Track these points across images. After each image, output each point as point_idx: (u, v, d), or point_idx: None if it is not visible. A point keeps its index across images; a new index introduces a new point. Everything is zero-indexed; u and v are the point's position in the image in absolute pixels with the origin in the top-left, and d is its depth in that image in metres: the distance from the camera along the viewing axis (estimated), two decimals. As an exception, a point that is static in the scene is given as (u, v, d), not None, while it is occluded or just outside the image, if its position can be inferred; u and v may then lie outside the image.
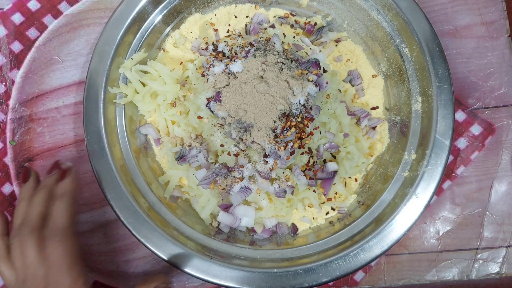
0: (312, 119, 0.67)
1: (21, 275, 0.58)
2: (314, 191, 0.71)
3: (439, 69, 0.69)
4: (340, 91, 0.77)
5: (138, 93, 0.73)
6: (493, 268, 0.74)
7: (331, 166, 0.71)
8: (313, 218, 0.73)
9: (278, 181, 0.69)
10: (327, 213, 0.74)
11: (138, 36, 0.73)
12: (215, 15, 0.78)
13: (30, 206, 0.61)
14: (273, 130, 0.65)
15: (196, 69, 0.72)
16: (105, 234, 0.74)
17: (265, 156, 0.67)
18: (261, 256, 0.67)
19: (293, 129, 0.66)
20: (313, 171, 0.71)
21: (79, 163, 0.76)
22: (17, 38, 0.79)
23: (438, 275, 0.64)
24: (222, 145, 0.69)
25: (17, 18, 0.80)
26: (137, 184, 0.70)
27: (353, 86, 0.78)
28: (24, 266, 0.57)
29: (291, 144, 0.66)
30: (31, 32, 0.79)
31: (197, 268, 0.64)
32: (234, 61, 0.68)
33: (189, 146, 0.71)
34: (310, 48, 0.75)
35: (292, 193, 0.69)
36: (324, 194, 0.72)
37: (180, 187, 0.74)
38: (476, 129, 0.78)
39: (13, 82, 0.78)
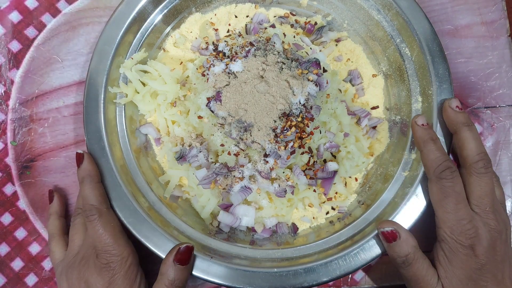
0: (312, 119, 0.67)
1: (75, 247, 0.65)
2: (314, 190, 0.71)
3: (439, 68, 0.70)
4: (340, 90, 0.77)
5: (138, 92, 0.73)
6: (493, 268, 0.74)
7: (331, 165, 0.71)
8: (313, 218, 0.74)
9: (278, 180, 0.69)
10: (327, 213, 0.74)
11: (138, 35, 0.73)
12: (215, 14, 0.78)
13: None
14: (273, 130, 0.65)
15: (197, 68, 0.72)
16: (105, 234, 0.74)
17: (265, 155, 0.67)
18: (261, 255, 0.67)
19: (293, 129, 0.66)
20: (313, 170, 0.71)
21: (79, 163, 0.76)
22: (15, 37, 0.79)
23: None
24: (222, 145, 0.69)
25: (15, 16, 0.79)
26: (138, 183, 0.70)
27: (353, 85, 0.78)
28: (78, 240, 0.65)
29: (291, 143, 0.66)
30: (30, 31, 0.79)
31: (197, 267, 0.64)
32: (234, 60, 0.68)
33: (189, 145, 0.71)
34: (310, 48, 0.75)
35: (292, 193, 0.69)
36: (324, 194, 0.72)
37: (180, 187, 0.74)
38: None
39: (12, 82, 0.77)
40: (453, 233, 0.60)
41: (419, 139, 0.65)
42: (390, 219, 0.66)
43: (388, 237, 0.62)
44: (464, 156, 0.63)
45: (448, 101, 0.67)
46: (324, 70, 0.70)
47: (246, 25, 0.78)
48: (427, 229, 0.66)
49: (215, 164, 0.69)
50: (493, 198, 0.62)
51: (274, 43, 0.70)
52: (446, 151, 0.66)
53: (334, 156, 0.74)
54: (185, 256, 0.62)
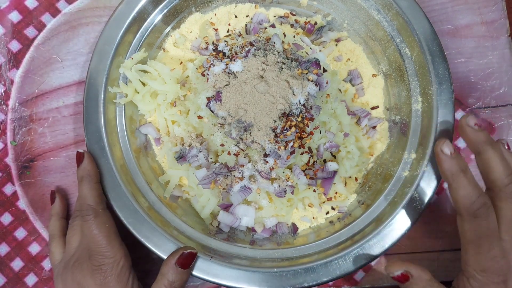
0: (312, 119, 0.67)
1: (71, 249, 0.64)
2: (314, 190, 0.71)
3: (439, 68, 0.69)
4: (340, 90, 0.77)
5: (138, 92, 0.72)
6: (493, 267, 0.74)
7: (331, 165, 0.71)
8: (313, 218, 0.74)
9: (278, 180, 0.69)
10: (327, 213, 0.74)
11: (138, 35, 0.73)
12: (215, 14, 0.78)
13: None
14: (273, 130, 0.65)
15: (196, 68, 0.72)
16: (105, 234, 0.74)
17: (265, 155, 0.67)
18: (261, 255, 0.67)
19: (293, 129, 0.65)
20: (313, 170, 0.71)
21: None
22: (15, 37, 0.79)
23: (439, 274, 0.64)
24: (222, 145, 0.69)
25: (15, 16, 0.79)
26: (137, 183, 0.70)
27: (353, 85, 0.78)
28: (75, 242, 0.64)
29: (291, 143, 0.66)
30: (29, 31, 0.79)
31: (197, 267, 0.64)
32: (234, 60, 0.68)
33: (189, 145, 0.71)
34: (310, 48, 0.75)
35: (292, 193, 0.69)
36: (324, 194, 0.72)
37: (180, 187, 0.74)
38: (476, 129, 0.78)
39: (12, 82, 0.77)
40: (486, 272, 0.56)
41: (447, 172, 0.57)
42: (390, 219, 0.66)
43: (400, 280, 0.59)
44: (492, 179, 0.57)
45: (465, 118, 0.60)
46: (324, 70, 0.70)
47: (246, 25, 0.78)
48: (427, 229, 0.66)
49: (215, 164, 0.69)
50: None
51: (274, 43, 0.70)
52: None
53: (334, 156, 0.74)
54: (187, 261, 0.62)
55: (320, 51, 0.76)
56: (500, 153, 0.58)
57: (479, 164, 0.60)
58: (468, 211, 0.56)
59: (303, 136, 0.67)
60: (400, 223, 0.66)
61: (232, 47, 0.71)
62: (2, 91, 0.77)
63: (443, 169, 0.58)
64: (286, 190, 0.68)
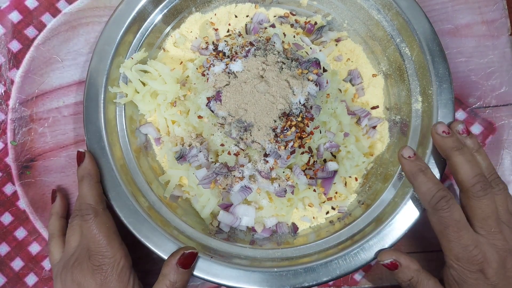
0: (312, 119, 0.67)
1: (70, 249, 0.64)
2: (315, 190, 0.71)
3: (439, 68, 0.69)
4: (340, 90, 0.77)
5: (138, 92, 0.73)
6: (493, 267, 0.73)
7: (332, 165, 0.71)
8: (313, 218, 0.74)
9: (278, 180, 0.69)
10: (327, 213, 0.74)
11: (138, 35, 0.73)
12: (215, 14, 0.78)
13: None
14: (273, 130, 0.65)
15: (197, 68, 0.72)
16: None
17: (265, 155, 0.67)
18: (261, 255, 0.67)
19: (293, 129, 0.65)
20: (313, 170, 0.71)
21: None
22: (15, 37, 0.79)
23: (438, 274, 0.64)
24: (222, 145, 0.69)
25: (15, 16, 0.79)
26: (138, 183, 0.70)
27: (353, 85, 0.78)
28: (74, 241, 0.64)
29: (291, 143, 0.66)
30: (30, 31, 0.79)
31: (197, 267, 0.64)
32: (234, 60, 0.68)
33: (189, 145, 0.71)
34: (310, 48, 0.75)
35: (292, 193, 0.69)
36: (325, 194, 0.72)
37: (180, 187, 0.74)
38: (476, 128, 0.78)
39: (12, 82, 0.77)
40: (460, 261, 0.59)
41: (408, 173, 0.63)
42: (390, 218, 0.66)
43: (390, 267, 0.63)
44: (460, 181, 0.61)
45: (434, 127, 0.65)
46: (324, 70, 0.70)
47: (246, 25, 0.78)
48: (426, 229, 0.66)
49: (215, 164, 0.69)
50: (497, 217, 0.60)
51: (274, 43, 0.70)
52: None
53: (334, 156, 0.74)
54: (188, 261, 0.62)
55: (320, 51, 0.76)
56: (466, 157, 0.62)
57: (449, 168, 0.64)
58: (430, 204, 0.61)
59: (303, 136, 0.67)
60: (400, 223, 0.66)
61: (232, 47, 0.71)
62: (2, 91, 0.77)
63: (404, 170, 0.65)
64: (286, 190, 0.68)
